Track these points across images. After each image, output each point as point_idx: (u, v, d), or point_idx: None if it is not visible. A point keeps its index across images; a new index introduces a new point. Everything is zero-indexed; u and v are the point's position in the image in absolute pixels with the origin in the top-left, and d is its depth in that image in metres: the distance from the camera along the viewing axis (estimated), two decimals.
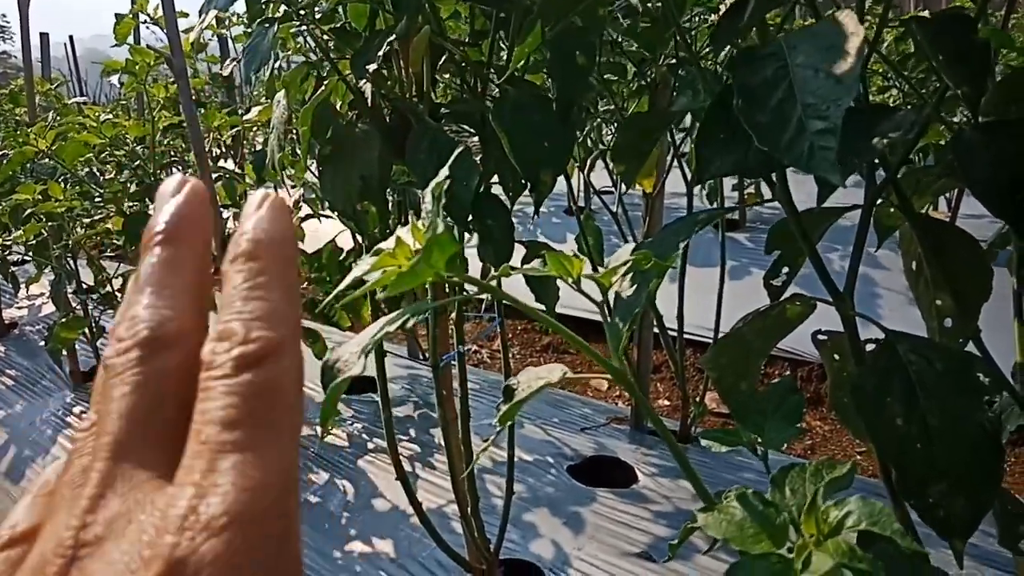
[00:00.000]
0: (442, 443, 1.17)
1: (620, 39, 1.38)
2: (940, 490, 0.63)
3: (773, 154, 0.55)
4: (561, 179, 1.83)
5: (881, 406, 0.64)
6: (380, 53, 0.82)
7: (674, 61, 1.37)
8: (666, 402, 2.71)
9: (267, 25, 0.82)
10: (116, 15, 1.74)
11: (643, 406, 0.51)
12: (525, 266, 0.59)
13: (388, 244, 0.41)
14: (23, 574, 0.20)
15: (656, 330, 1.86)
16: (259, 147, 2.75)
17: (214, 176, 1.91)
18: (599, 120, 1.85)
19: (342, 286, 0.43)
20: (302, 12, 0.88)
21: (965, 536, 0.64)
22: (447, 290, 0.99)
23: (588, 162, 1.97)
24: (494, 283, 0.48)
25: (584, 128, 1.88)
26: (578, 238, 2.01)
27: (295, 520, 0.20)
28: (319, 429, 2.05)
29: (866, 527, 0.39)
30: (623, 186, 1.94)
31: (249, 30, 0.99)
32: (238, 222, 0.24)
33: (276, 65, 1.30)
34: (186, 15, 1.95)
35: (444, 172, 0.46)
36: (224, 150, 4.02)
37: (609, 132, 2.19)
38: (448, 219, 0.87)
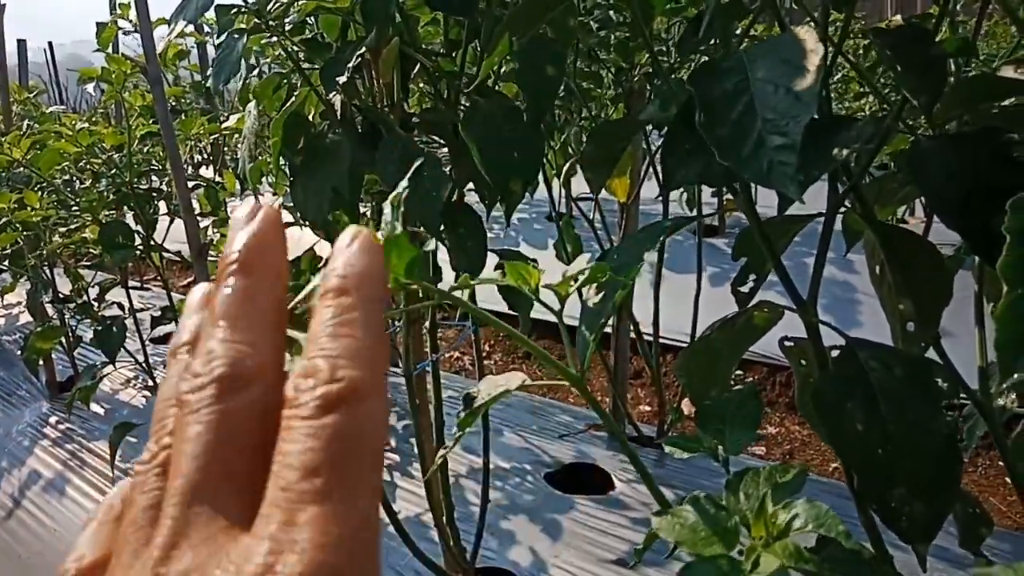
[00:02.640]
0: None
1: (596, 49, 1.39)
2: (900, 495, 0.64)
3: (733, 168, 0.56)
4: (543, 186, 1.84)
5: (842, 412, 0.65)
6: (350, 65, 0.83)
7: (650, 70, 1.38)
8: (647, 408, 2.73)
9: (236, 36, 0.83)
10: (97, 24, 1.74)
11: (599, 412, 0.52)
12: (486, 277, 0.60)
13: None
14: None
15: (633, 335, 1.87)
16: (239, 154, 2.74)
17: (191, 185, 1.90)
18: (576, 128, 1.87)
19: (303, 293, 0.43)
20: (272, 23, 0.88)
21: (926, 540, 0.65)
22: (419, 297, 1.00)
23: (565, 169, 1.98)
24: (458, 293, 0.49)
25: (557, 136, 1.89)
26: (556, 244, 2.02)
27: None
28: None
29: (812, 529, 0.40)
30: (599, 192, 1.95)
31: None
32: (330, 256, 0.24)
33: (255, 74, 1.30)
34: (166, 21, 1.95)
35: (403, 183, 0.46)
36: (205, 158, 4.01)
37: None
38: (411, 227, 0.87)
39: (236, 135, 2.57)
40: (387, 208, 0.45)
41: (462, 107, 1.00)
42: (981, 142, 0.64)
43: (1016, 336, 0.44)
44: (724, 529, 0.44)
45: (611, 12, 1.12)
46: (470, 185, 1.07)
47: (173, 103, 2.30)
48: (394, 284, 0.40)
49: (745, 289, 0.86)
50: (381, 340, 0.22)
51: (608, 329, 2.09)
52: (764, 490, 0.49)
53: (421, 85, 1.14)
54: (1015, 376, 0.44)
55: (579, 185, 2.44)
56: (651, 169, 1.70)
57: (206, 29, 2.73)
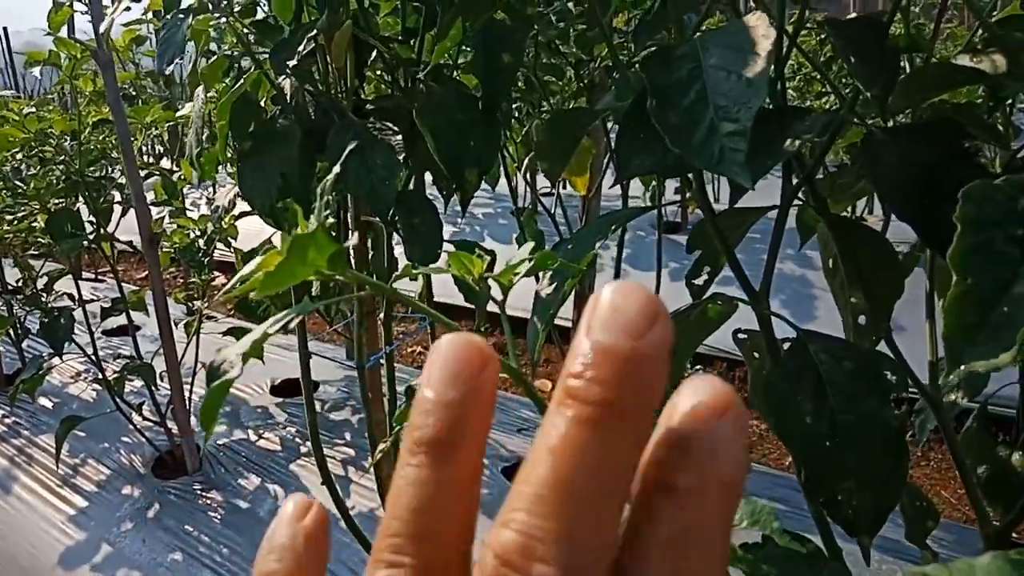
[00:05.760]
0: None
1: (556, 42, 1.38)
2: (847, 487, 0.63)
3: (684, 155, 0.55)
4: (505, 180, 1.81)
5: (792, 404, 0.65)
6: (300, 48, 0.81)
7: (610, 63, 1.37)
8: None
9: (181, 16, 0.80)
10: (54, 2, 1.68)
11: (537, 403, 0.51)
12: (431, 266, 0.58)
13: (278, 242, 0.40)
14: None
15: None
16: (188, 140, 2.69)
17: (145, 173, 1.85)
18: (538, 120, 1.85)
19: (227, 287, 0.41)
20: (223, 3, 0.85)
21: (871, 533, 0.64)
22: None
23: (526, 162, 1.98)
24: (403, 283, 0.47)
25: (519, 129, 1.88)
26: (518, 238, 2.00)
27: None
28: (251, 432, 2.01)
29: (747, 526, 0.39)
30: (561, 186, 1.95)
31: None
32: (673, 407, 0.18)
33: (214, 59, 1.27)
34: (128, 8, 1.90)
35: (336, 169, 0.45)
36: (166, 148, 3.92)
37: None
38: (365, 216, 0.85)
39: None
40: (318, 195, 0.43)
41: (419, 94, 0.98)
42: (935, 134, 0.64)
43: (964, 326, 0.43)
44: None
45: (570, 4, 1.11)
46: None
47: (128, 89, 2.25)
48: (316, 276, 0.37)
49: (699, 282, 0.86)
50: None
51: (570, 324, 2.08)
52: None
53: (379, 72, 1.11)
54: (962, 367, 0.43)
55: (544, 179, 2.43)
56: (612, 162, 1.70)
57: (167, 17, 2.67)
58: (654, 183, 2.56)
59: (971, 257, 0.42)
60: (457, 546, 0.19)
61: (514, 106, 1.80)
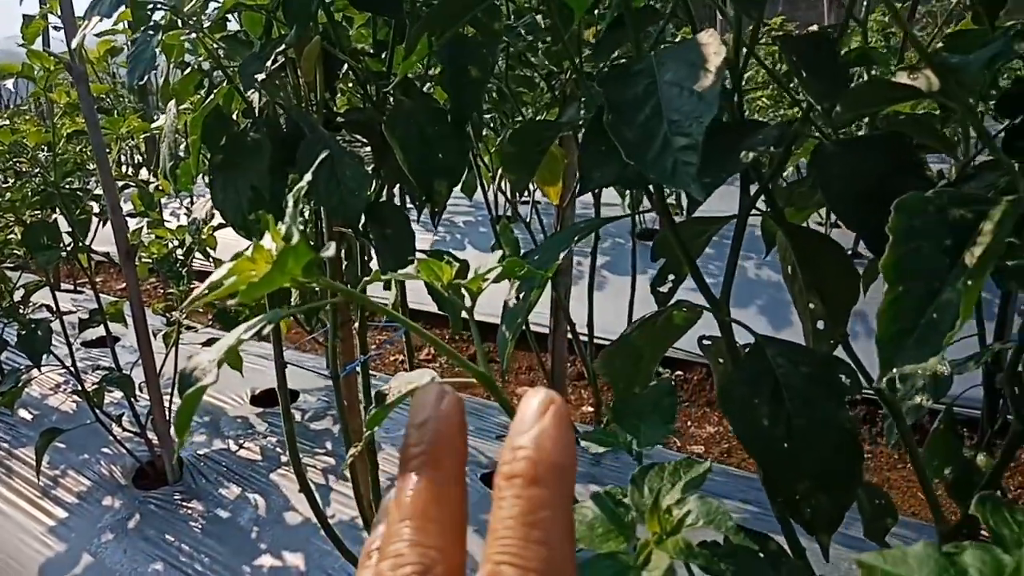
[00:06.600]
0: None
1: (526, 54, 1.40)
2: (805, 488, 0.65)
3: (640, 169, 0.57)
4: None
5: (750, 408, 0.67)
6: (268, 63, 0.82)
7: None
8: (590, 408, 2.75)
9: (152, 32, 0.81)
10: (24, 16, 1.68)
11: (507, 410, 0.53)
12: (400, 272, 0.60)
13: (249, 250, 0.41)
14: None
15: (570, 336, 1.88)
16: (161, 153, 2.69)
17: (121, 184, 1.86)
18: (511, 131, 1.87)
19: (198, 291, 0.43)
20: (189, 20, 0.87)
21: (829, 532, 0.67)
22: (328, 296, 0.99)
23: (500, 172, 1.99)
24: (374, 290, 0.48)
25: (493, 139, 1.90)
26: (494, 247, 2.02)
27: None
28: (231, 443, 2.02)
29: (703, 524, 0.41)
30: (538, 195, 1.97)
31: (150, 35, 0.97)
32: (514, 424, 0.23)
33: (185, 73, 1.28)
34: (101, 19, 1.90)
35: (307, 177, 0.46)
36: (143, 158, 3.91)
37: None
38: (337, 227, 0.87)
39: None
40: (288, 203, 0.45)
41: (389, 107, 0.99)
42: (884, 146, 0.66)
43: (895, 332, 0.45)
44: (621, 525, 0.45)
45: (538, 17, 1.13)
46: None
47: (103, 101, 2.25)
48: (292, 284, 0.39)
49: (664, 289, 0.88)
50: (572, 546, 0.21)
51: (547, 331, 2.10)
52: (667, 484, 0.50)
53: (351, 85, 1.13)
54: (894, 370, 0.45)
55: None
56: None
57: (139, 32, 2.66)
58: (632, 192, 2.58)
59: (902, 266, 0.44)
60: (455, 545, 0.22)
61: (487, 116, 1.82)
